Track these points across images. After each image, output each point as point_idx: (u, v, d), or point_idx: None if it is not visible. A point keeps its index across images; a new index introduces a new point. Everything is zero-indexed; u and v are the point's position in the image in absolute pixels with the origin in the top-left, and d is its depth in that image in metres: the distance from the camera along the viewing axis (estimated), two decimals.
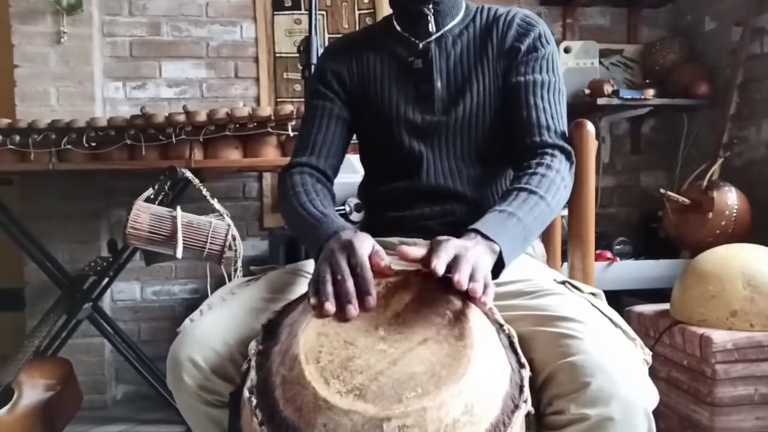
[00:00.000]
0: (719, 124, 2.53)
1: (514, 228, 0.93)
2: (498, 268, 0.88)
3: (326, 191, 1.15)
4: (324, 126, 1.20)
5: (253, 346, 0.82)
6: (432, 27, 1.17)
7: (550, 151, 1.07)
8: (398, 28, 1.21)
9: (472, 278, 0.79)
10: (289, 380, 0.72)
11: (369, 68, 1.20)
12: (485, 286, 0.80)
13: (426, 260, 0.81)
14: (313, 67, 1.60)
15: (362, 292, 0.81)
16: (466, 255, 0.81)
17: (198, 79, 2.79)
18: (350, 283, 0.82)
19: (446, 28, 1.18)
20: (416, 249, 0.84)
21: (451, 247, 0.82)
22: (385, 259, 0.87)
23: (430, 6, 1.16)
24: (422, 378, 0.70)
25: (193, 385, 0.91)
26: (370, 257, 0.86)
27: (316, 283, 0.83)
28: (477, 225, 0.90)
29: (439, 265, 0.79)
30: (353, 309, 0.79)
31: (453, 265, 0.80)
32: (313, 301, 0.81)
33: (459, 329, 0.76)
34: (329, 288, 0.82)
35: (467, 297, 0.79)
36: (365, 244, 0.87)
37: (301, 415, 0.69)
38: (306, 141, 1.20)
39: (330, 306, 0.79)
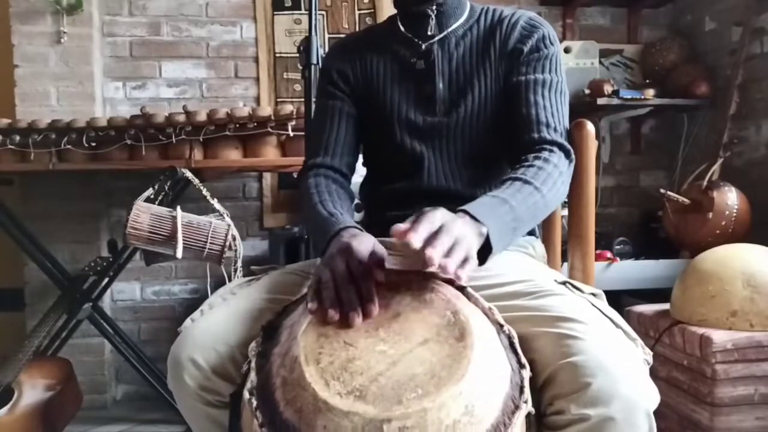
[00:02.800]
0: (719, 124, 2.53)
1: (505, 214, 0.92)
2: (485, 252, 0.88)
3: (341, 191, 1.15)
4: (336, 124, 1.20)
5: (253, 348, 0.82)
6: (435, 28, 1.17)
7: (548, 147, 1.07)
8: (402, 28, 1.21)
9: (450, 252, 0.79)
10: (290, 382, 0.72)
11: (372, 69, 1.20)
12: (465, 261, 0.80)
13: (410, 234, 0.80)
14: (313, 67, 1.60)
15: (365, 300, 0.81)
16: (451, 228, 0.81)
17: (198, 79, 2.79)
18: (351, 291, 0.82)
19: (449, 29, 1.18)
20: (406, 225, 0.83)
21: (437, 218, 0.82)
22: (386, 259, 0.87)
23: (433, 7, 1.16)
24: (422, 379, 0.70)
25: (193, 385, 0.90)
26: (368, 267, 0.85)
27: (317, 288, 0.84)
28: (467, 206, 0.90)
29: (416, 239, 0.78)
30: (357, 318, 0.80)
31: (433, 238, 0.79)
32: (311, 306, 0.82)
33: (459, 330, 0.76)
34: (332, 294, 0.82)
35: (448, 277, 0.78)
36: (363, 247, 0.87)
37: (302, 417, 0.69)
38: (319, 141, 1.20)
39: (333, 313, 0.80)
